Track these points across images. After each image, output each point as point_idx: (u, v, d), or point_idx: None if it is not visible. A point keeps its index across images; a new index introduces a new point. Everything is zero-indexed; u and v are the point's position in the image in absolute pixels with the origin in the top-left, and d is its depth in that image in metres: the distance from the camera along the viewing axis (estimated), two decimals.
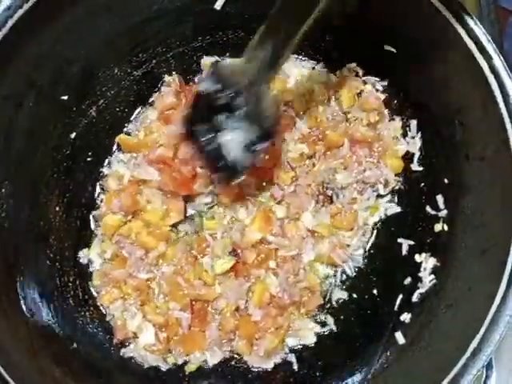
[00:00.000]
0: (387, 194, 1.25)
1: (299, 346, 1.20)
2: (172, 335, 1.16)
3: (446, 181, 1.14)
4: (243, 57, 0.94)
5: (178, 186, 1.18)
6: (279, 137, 1.19)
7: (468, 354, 0.90)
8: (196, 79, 1.29)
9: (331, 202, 1.24)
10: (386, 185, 1.25)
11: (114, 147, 1.27)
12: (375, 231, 1.25)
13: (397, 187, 1.25)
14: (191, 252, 1.20)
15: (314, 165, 1.24)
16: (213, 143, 0.99)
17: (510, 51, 1.42)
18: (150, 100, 1.28)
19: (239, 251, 1.19)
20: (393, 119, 1.26)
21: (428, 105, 1.14)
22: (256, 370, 1.17)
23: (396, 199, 1.25)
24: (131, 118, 1.28)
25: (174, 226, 1.22)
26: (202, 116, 0.99)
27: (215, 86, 0.94)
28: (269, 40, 0.87)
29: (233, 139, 0.97)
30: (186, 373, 1.17)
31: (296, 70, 1.28)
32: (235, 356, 1.18)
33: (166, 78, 1.27)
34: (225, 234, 1.21)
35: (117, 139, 1.25)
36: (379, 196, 1.25)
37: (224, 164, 1.00)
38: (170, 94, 1.24)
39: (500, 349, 1.17)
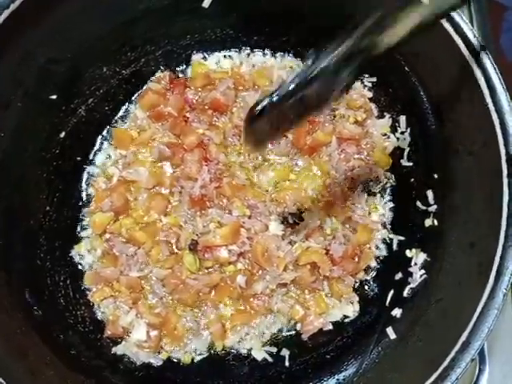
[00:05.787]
0: (379, 192, 1.26)
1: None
2: (166, 332, 1.17)
3: (435, 176, 1.15)
4: None
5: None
6: None
7: (457, 347, 0.90)
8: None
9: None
10: (376, 181, 1.25)
11: (104, 146, 1.27)
12: None
13: (388, 184, 1.26)
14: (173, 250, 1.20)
15: None
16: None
17: (507, 46, 1.41)
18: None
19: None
20: (382, 115, 1.27)
21: (417, 101, 1.15)
22: (247, 366, 1.18)
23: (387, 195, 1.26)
24: (120, 117, 1.28)
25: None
26: None
27: None
28: None
29: None
30: (180, 365, 1.17)
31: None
32: (232, 351, 1.19)
33: (158, 73, 1.28)
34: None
35: (113, 132, 1.26)
36: (371, 193, 1.25)
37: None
38: (150, 92, 1.25)
39: (493, 343, 1.18)
